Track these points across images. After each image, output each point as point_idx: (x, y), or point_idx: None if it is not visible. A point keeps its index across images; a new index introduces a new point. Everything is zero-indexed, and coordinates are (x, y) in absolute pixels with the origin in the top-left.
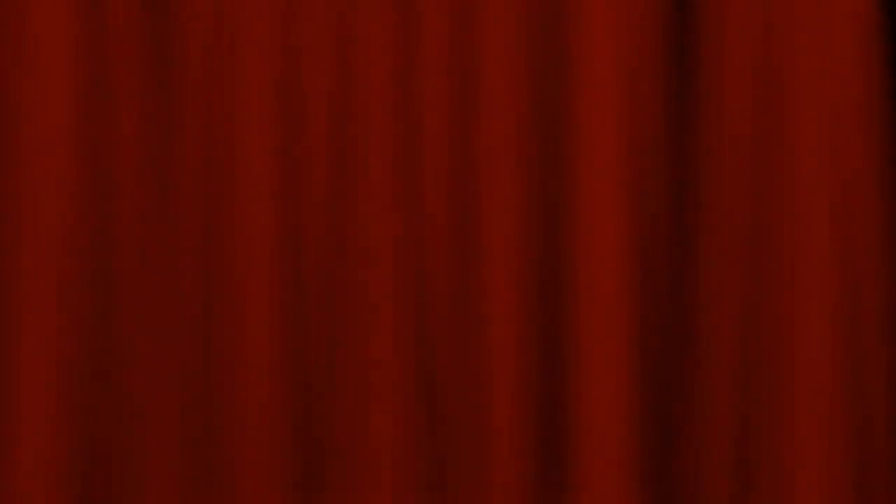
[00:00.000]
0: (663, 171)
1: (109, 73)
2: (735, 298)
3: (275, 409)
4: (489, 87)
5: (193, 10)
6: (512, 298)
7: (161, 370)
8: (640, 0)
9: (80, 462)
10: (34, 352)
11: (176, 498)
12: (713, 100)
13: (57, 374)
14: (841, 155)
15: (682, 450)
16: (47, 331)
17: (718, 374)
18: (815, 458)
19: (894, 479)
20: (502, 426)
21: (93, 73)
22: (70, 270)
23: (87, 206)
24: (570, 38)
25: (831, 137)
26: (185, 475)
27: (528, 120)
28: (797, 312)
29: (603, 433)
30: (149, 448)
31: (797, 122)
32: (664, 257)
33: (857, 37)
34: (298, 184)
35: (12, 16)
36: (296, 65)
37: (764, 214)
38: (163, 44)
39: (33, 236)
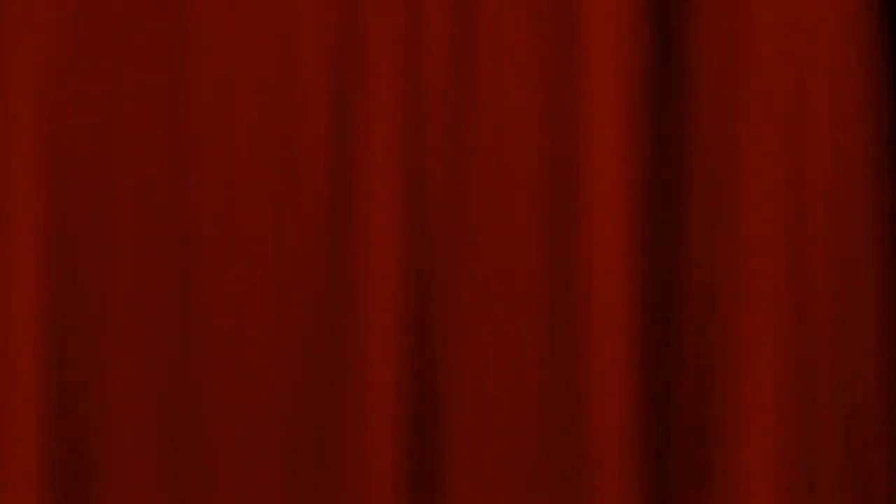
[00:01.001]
0: (661, 168)
1: (112, 72)
2: (723, 297)
3: (269, 406)
4: (490, 84)
5: (194, 10)
6: (513, 296)
7: (146, 366)
8: (640, 2)
9: (64, 460)
10: (22, 349)
11: (173, 497)
12: (711, 98)
13: (41, 367)
14: (840, 154)
15: (673, 444)
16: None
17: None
18: (770, 458)
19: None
20: (501, 425)
21: (92, 72)
22: (54, 273)
23: (80, 207)
24: (572, 37)
25: (830, 137)
26: (173, 473)
27: (528, 116)
28: (793, 310)
29: (605, 437)
30: (135, 445)
31: (796, 120)
32: (662, 254)
33: (857, 37)
34: (297, 181)
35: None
36: (295, 62)
37: (761, 212)
38: (164, 42)
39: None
